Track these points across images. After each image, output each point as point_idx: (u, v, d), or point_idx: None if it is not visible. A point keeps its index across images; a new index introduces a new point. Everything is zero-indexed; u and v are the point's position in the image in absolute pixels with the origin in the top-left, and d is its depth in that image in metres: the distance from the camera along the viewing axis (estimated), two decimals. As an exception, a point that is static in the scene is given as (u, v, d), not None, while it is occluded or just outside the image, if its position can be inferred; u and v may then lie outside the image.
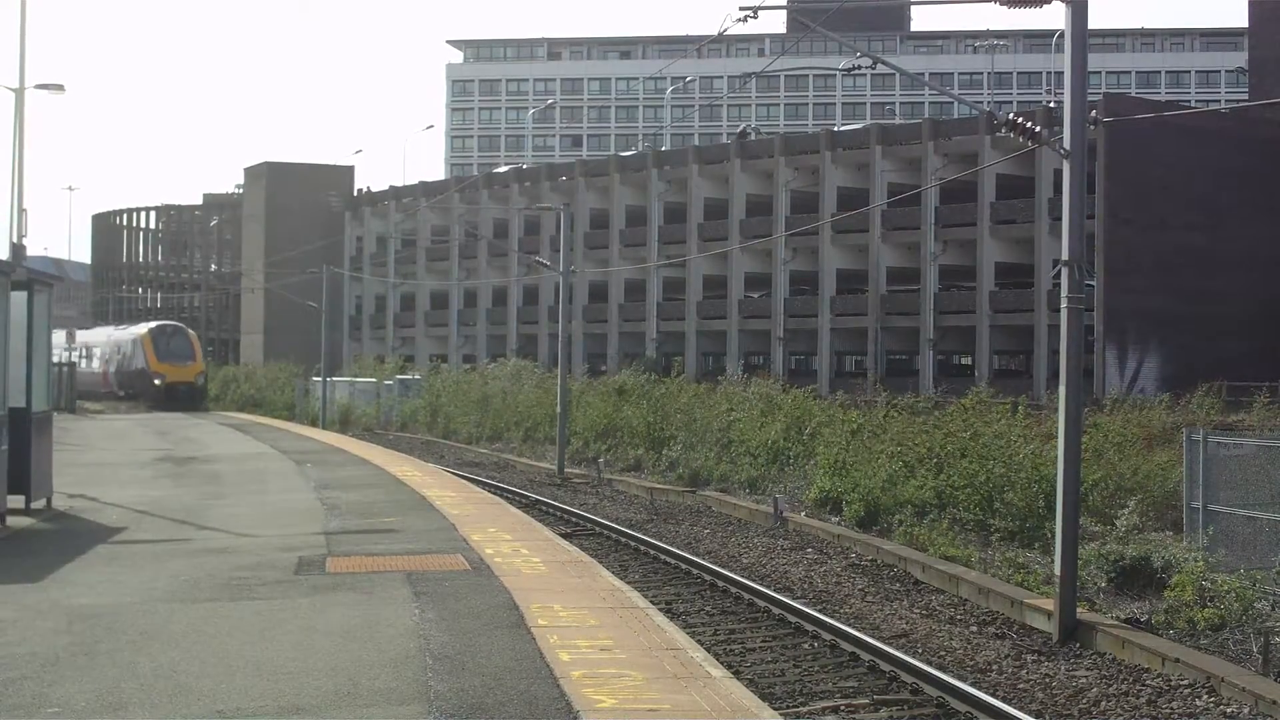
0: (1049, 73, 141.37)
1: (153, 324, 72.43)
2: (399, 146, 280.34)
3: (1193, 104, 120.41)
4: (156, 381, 66.32)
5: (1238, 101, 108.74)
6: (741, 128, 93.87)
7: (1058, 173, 40.12)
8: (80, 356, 74.81)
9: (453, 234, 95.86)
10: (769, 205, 78.59)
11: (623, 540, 24.29)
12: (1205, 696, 13.38)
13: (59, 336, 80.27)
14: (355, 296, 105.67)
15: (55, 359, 69.19)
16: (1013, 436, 25.97)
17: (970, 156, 68.60)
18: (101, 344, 75.28)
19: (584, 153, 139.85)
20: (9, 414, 17.13)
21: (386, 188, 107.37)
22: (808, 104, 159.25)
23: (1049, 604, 16.47)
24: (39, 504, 18.88)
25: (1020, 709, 12.96)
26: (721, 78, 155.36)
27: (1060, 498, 16.32)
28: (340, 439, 34.04)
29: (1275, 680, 13.62)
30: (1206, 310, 64.17)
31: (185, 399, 65.22)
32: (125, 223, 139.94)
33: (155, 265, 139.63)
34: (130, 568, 14.08)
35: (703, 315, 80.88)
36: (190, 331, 72.53)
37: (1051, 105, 71.30)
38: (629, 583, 15.78)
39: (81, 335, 79.04)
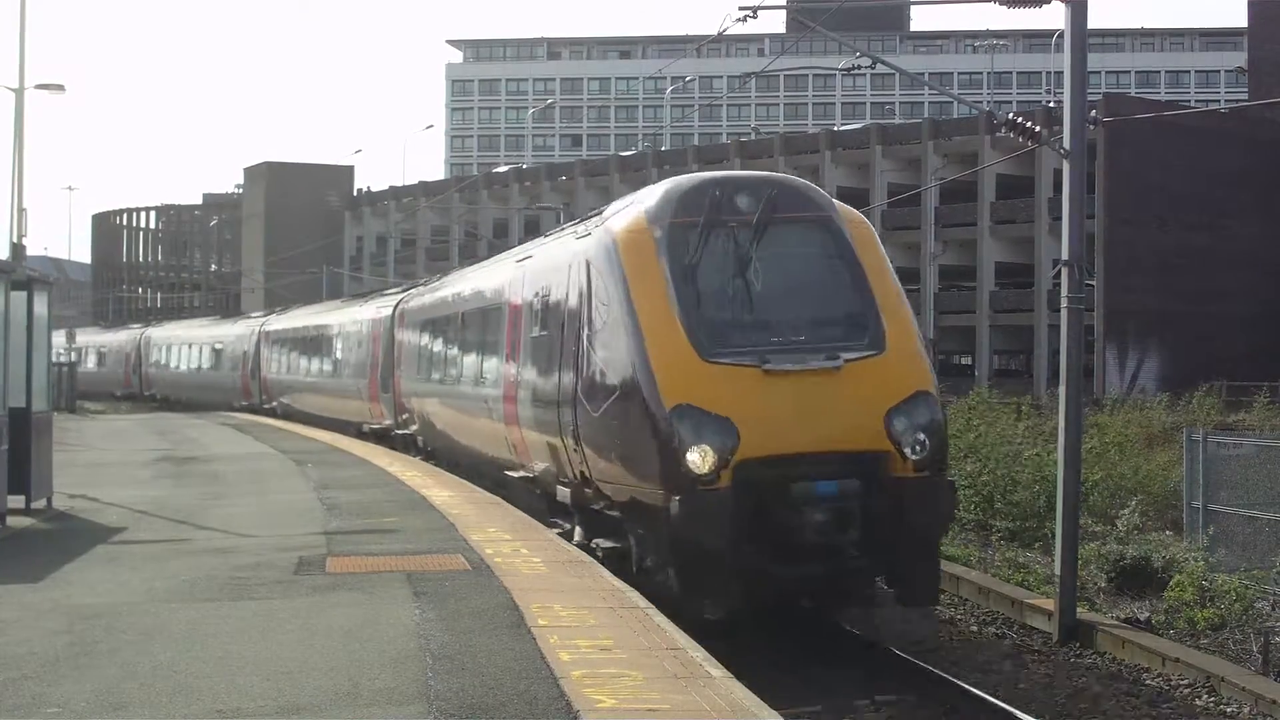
0: (1049, 73, 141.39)
1: (662, 188, 14.83)
2: (399, 146, 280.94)
3: (1192, 104, 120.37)
4: (693, 458, 12.91)
5: (1237, 101, 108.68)
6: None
7: (1058, 173, 40.11)
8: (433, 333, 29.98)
9: (453, 234, 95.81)
10: (769, 205, 78.49)
11: (623, 540, 24.19)
12: (1205, 696, 13.39)
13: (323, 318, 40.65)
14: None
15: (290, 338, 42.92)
16: (1018, 437, 26.00)
17: (970, 156, 68.61)
18: (507, 282, 19.74)
19: (584, 152, 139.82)
20: (9, 414, 17.12)
21: (386, 187, 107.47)
22: (807, 104, 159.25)
23: (1049, 604, 16.47)
24: (39, 504, 18.83)
25: (1020, 709, 12.96)
26: (721, 78, 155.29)
27: (1060, 498, 16.32)
28: (341, 439, 33.95)
29: (1275, 680, 13.62)
30: (1206, 310, 64.16)
31: (820, 539, 13.40)
32: (125, 223, 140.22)
33: (155, 265, 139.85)
34: (130, 568, 14.06)
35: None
36: (851, 216, 14.87)
37: (1051, 105, 71.30)
38: (629, 583, 15.75)
39: (459, 278, 27.65)
